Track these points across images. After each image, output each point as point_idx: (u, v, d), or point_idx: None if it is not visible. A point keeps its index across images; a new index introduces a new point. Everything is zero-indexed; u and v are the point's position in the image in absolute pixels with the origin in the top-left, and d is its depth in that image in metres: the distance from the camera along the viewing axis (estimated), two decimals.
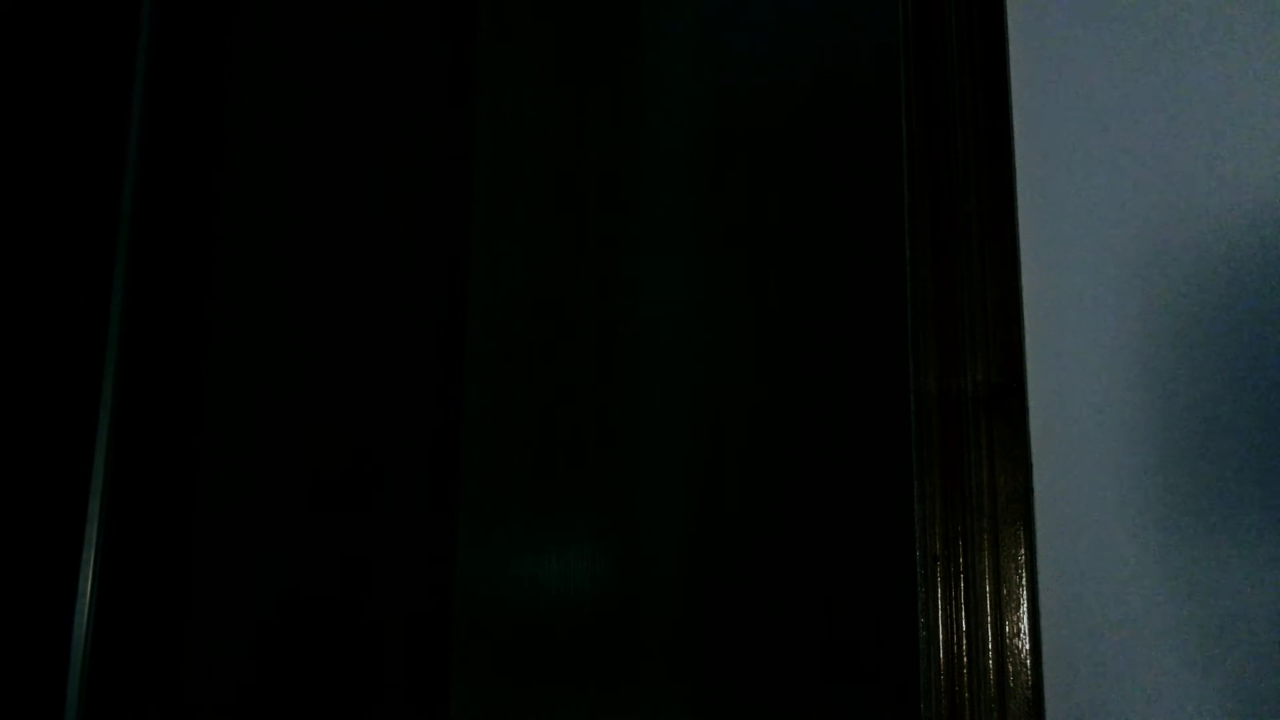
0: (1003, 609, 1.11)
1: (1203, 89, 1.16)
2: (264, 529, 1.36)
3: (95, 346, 1.36)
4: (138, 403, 1.38)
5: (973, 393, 1.16)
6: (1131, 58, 1.18)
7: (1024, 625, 1.10)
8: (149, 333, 1.40)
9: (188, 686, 1.33)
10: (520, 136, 1.42)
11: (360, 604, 1.33)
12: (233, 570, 1.36)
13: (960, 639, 1.12)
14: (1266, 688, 1.05)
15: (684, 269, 1.35)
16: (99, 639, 1.33)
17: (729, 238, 1.34)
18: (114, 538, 1.35)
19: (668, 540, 1.31)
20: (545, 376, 1.35)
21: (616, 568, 1.30)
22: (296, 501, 1.37)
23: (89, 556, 1.33)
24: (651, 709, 1.27)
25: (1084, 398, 1.13)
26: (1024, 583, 1.11)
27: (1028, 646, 1.10)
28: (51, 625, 1.32)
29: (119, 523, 1.36)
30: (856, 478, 1.25)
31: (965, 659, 1.11)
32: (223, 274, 1.42)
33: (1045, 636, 1.10)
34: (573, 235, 1.39)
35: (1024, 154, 1.20)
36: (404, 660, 1.31)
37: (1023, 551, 1.11)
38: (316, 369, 1.40)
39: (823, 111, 1.34)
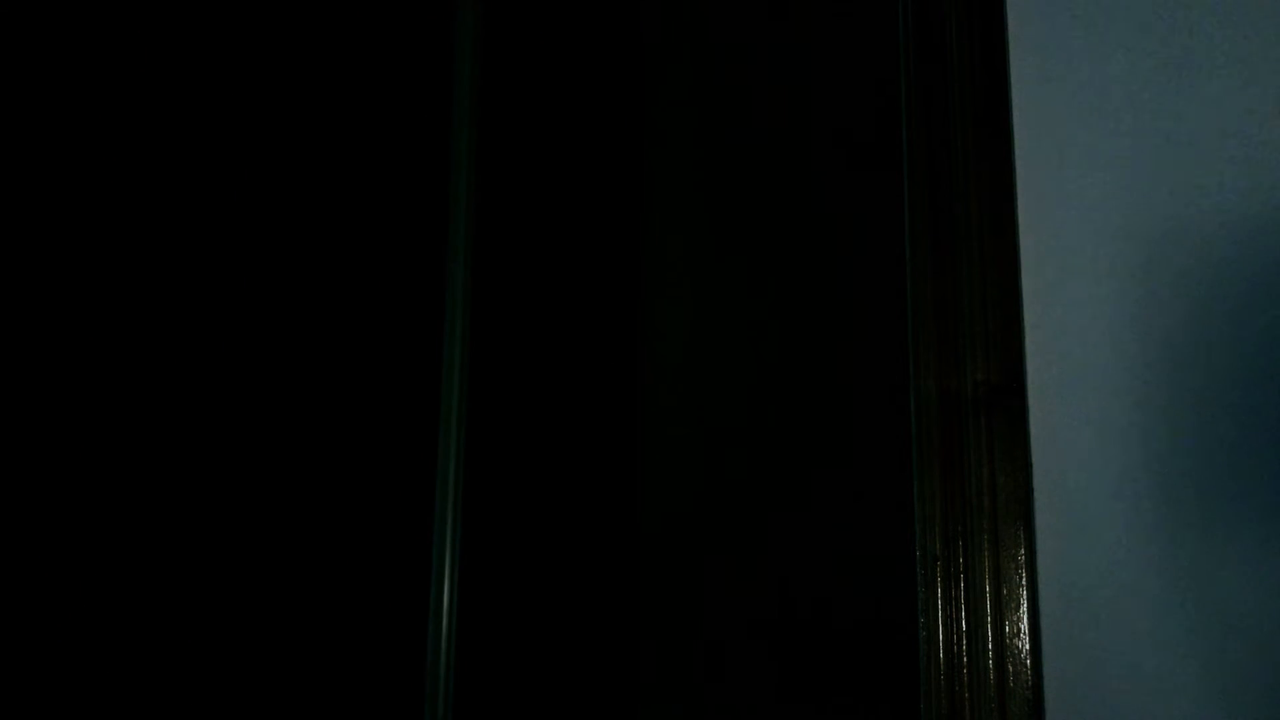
0: (1003, 609, 1.11)
1: (1204, 90, 1.16)
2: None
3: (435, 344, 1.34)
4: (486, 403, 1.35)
5: (973, 393, 1.16)
6: (1132, 58, 1.18)
7: (1024, 625, 1.10)
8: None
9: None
10: None
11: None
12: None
13: (960, 639, 1.12)
14: (1266, 686, 1.05)
15: (683, 273, 1.35)
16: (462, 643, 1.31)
17: (728, 242, 1.34)
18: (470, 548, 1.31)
19: (673, 525, 1.31)
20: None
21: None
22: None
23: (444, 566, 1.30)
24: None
25: (1084, 398, 1.13)
26: (1024, 583, 1.11)
27: (1028, 646, 1.10)
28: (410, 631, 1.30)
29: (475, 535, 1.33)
30: (858, 477, 1.24)
31: (965, 659, 1.11)
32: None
33: (1045, 636, 1.10)
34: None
35: (1024, 155, 1.19)
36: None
37: (1023, 551, 1.11)
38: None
39: (822, 112, 1.34)
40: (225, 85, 1.44)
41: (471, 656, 1.29)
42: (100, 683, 1.32)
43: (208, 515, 1.36)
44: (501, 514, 1.32)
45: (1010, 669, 1.10)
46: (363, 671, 1.30)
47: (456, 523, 1.31)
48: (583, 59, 1.38)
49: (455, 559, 1.31)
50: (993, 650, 1.10)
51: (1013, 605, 1.11)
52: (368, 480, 1.34)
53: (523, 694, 1.27)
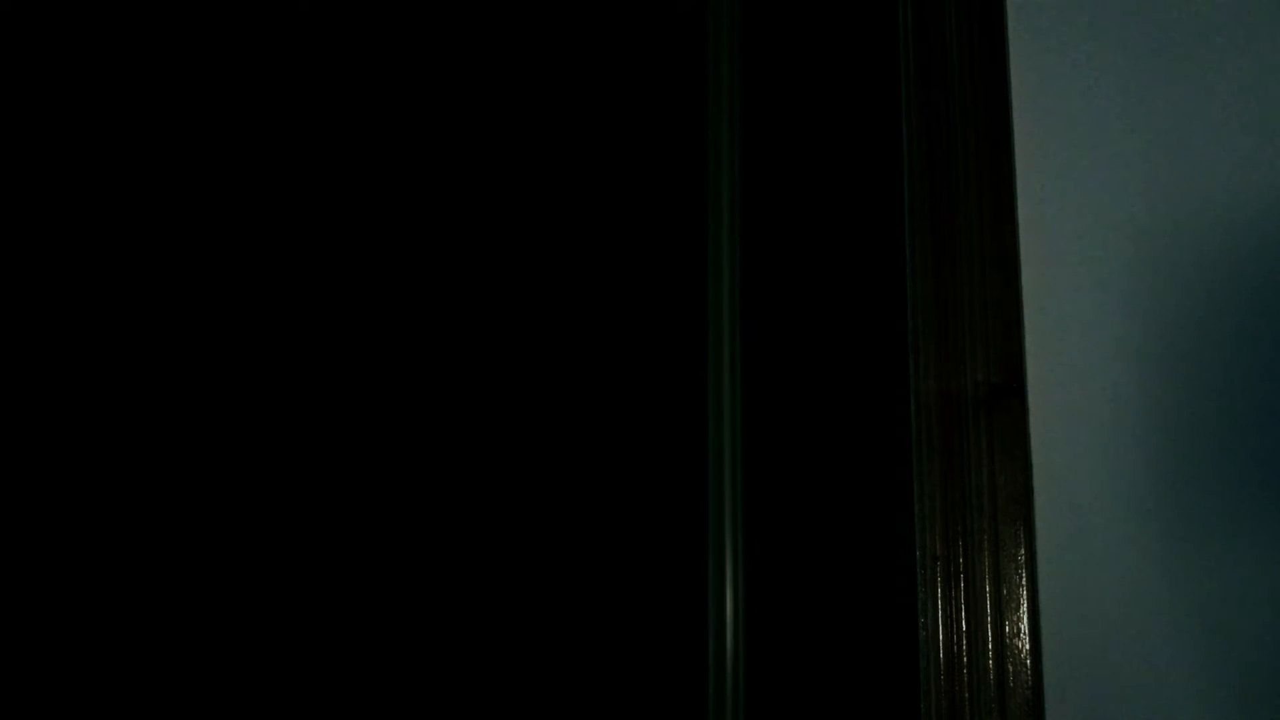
0: (1003, 609, 1.11)
1: (1204, 89, 1.16)
2: None
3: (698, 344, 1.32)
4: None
5: (973, 393, 1.16)
6: (1132, 57, 1.18)
7: (1024, 625, 1.10)
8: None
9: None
10: None
11: None
12: None
13: (960, 639, 1.12)
14: (1265, 686, 1.05)
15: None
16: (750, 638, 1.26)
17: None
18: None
19: None
20: None
21: None
22: None
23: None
24: None
25: (1084, 398, 1.13)
26: (1024, 583, 1.11)
27: (1028, 646, 1.10)
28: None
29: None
30: (859, 478, 1.24)
31: (965, 659, 1.11)
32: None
33: (1045, 636, 1.10)
34: None
35: (1024, 155, 1.20)
36: None
37: (1023, 551, 1.11)
38: None
39: (822, 112, 1.34)
40: (512, 98, 1.45)
41: (761, 674, 1.24)
42: (413, 691, 1.32)
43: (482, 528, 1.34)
44: (781, 517, 1.26)
45: (1010, 669, 1.10)
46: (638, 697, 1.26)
47: (737, 528, 1.27)
48: (841, 51, 1.35)
49: (739, 566, 1.26)
50: (993, 650, 1.10)
51: (1013, 605, 1.11)
52: (635, 489, 1.30)
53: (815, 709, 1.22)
